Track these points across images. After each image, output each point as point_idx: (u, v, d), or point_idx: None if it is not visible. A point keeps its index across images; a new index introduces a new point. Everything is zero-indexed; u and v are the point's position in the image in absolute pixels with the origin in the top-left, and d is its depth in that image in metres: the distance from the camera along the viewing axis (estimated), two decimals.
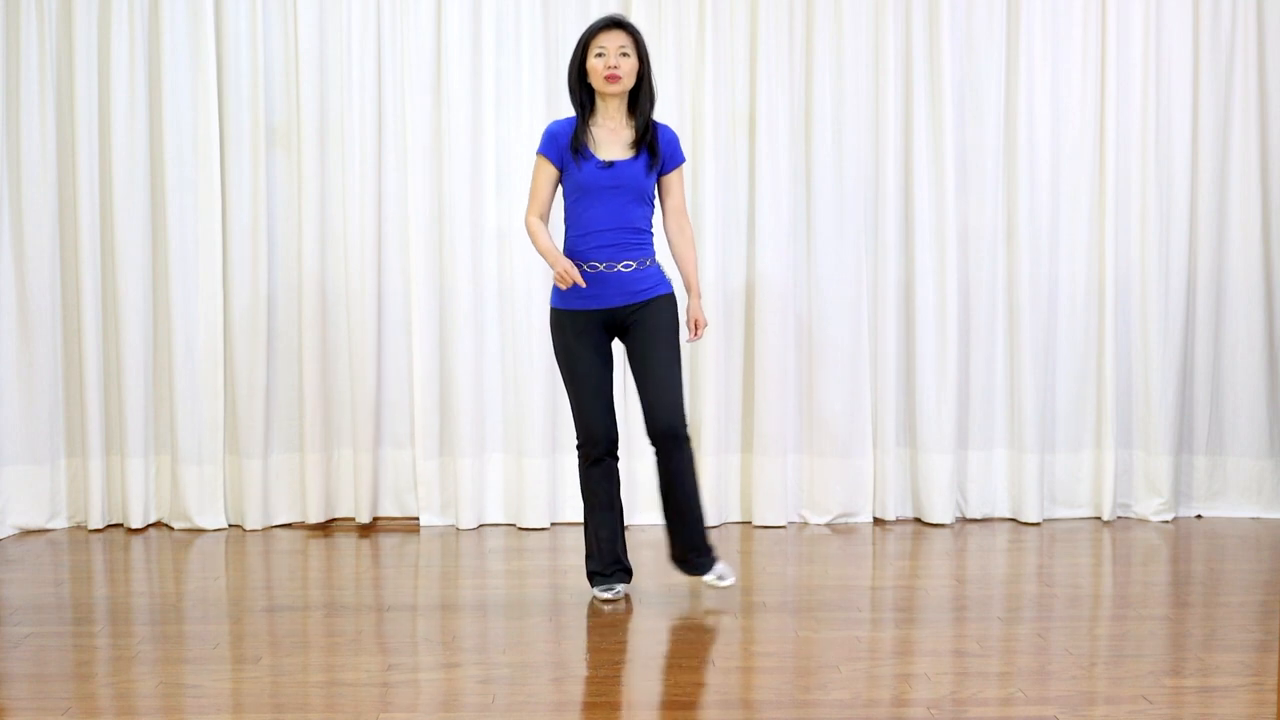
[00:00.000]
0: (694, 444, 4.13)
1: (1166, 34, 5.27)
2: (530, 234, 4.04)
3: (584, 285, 3.94)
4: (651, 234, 4.10)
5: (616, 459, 4.18)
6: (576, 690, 3.36)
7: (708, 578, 4.19)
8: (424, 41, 5.16)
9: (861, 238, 5.25)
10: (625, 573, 4.22)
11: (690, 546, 4.14)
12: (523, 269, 5.17)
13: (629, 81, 4.00)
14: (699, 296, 4.17)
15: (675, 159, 4.10)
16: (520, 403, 5.21)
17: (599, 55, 3.97)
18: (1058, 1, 5.27)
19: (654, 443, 4.05)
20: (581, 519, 4.26)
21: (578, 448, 4.17)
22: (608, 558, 4.18)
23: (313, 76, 5.14)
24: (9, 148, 5.10)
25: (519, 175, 5.16)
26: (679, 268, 4.18)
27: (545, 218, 4.08)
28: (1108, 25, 5.23)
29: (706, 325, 4.23)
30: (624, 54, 3.97)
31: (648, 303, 4.05)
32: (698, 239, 5.04)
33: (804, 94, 5.24)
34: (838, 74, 5.21)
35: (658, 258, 4.15)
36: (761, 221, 5.19)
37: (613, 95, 4.00)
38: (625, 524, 4.38)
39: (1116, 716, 3.15)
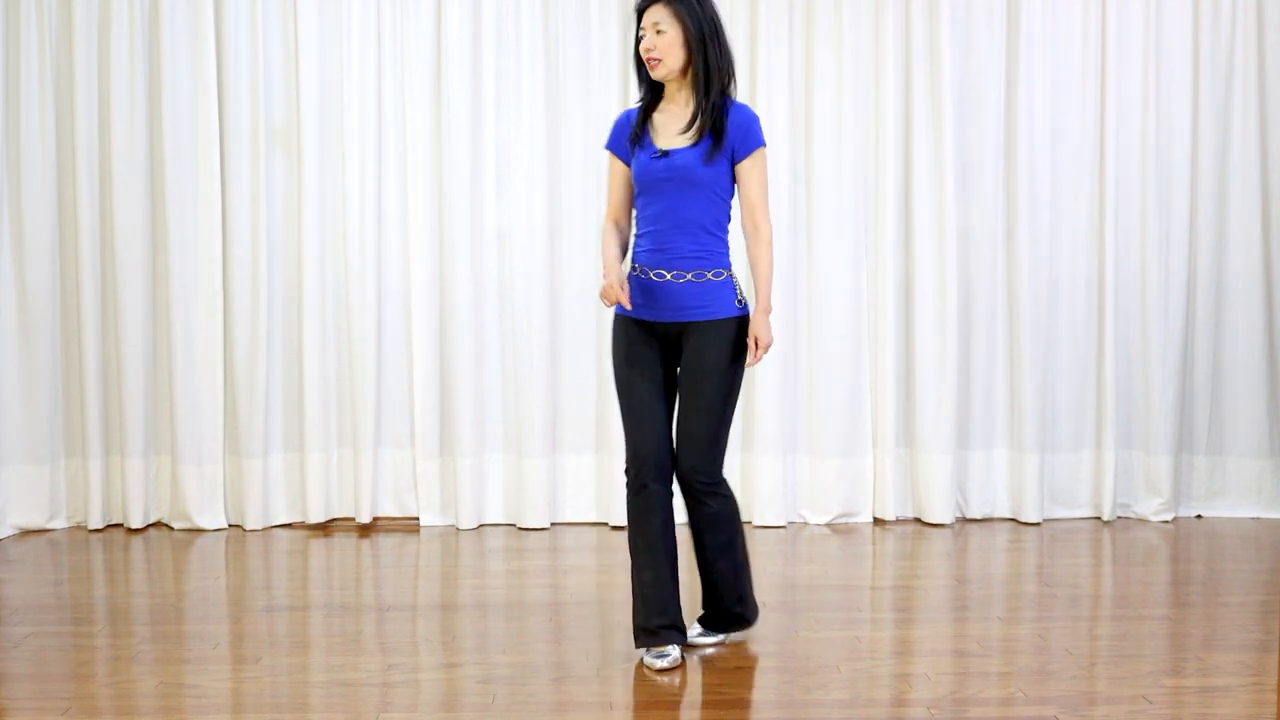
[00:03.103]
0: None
1: (1166, 34, 5.28)
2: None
3: (628, 306, 3.44)
4: (721, 238, 3.54)
5: (668, 485, 3.55)
6: (576, 690, 3.36)
7: (716, 635, 3.75)
8: (424, 41, 5.16)
9: (861, 238, 5.25)
10: (677, 631, 3.54)
11: (714, 611, 3.70)
12: (523, 269, 5.17)
13: (672, 61, 3.45)
14: (765, 311, 3.48)
15: (748, 144, 3.48)
16: (520, 403, 5.21)
17: (642, 38, 3.50)
18: (1058, 2, 5.27)
19: (680, 487, 3.59)
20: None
21: (625, 471, 3.59)
22: (654, 607, 3.52)
23: (313, 76, 5.14)
24: (9, 148, 5.10)
25: (519, 175, 5.17)
26: (752, 274, 3.57)
27: (621, 222, 3.60)
28: (1108, 25, 5.23)
29: (769, 345, 3.50)
30: (659, 30, 3.45)
31: (701, 326, 3.48)
32: None
33: (804, 94, 5.24)
34: (838, 74, 5.21)
35: (732, 272, 3.56)
36: None
37: (666, 78, 3.51)
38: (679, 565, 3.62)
39: (1116, 716, 3.15)
